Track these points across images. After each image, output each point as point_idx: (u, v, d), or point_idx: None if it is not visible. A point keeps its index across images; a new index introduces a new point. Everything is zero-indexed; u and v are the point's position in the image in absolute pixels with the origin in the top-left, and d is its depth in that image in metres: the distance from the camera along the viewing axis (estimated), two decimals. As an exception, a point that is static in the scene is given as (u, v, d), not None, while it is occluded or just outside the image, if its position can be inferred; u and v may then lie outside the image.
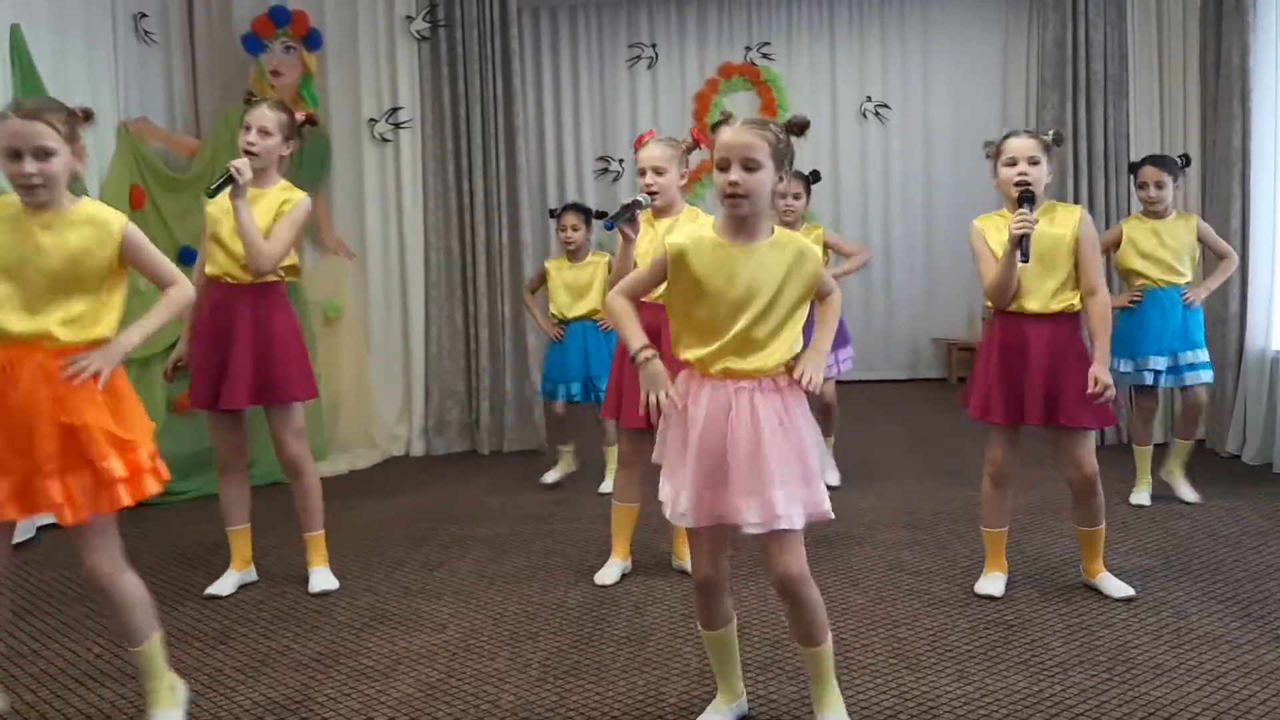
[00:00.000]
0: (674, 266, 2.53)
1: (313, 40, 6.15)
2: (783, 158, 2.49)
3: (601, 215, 5.34)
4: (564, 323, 5.36)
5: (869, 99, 8.51)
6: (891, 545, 4.27)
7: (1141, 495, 4.87)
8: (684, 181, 3.85)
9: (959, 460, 5.41)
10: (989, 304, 3.65)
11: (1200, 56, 5.95)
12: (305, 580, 3.96)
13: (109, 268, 2.61)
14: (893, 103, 8.52)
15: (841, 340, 5.35)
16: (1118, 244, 4.78)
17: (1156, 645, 3.21)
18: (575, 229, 5.28)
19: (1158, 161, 4.76)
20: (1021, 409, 3.53)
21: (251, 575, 4.02)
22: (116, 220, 2.63)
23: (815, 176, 5.21)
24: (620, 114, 8.57)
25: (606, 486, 5.38)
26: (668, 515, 2.56)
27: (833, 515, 2.53)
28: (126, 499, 2.59)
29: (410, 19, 6.28)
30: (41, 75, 4.74)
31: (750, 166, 2.44)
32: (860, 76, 8.52)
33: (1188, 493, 4.84)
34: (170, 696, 2.77)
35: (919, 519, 4.64)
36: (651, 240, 3.77)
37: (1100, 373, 3.43)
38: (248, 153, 3.71)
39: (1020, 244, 3.33)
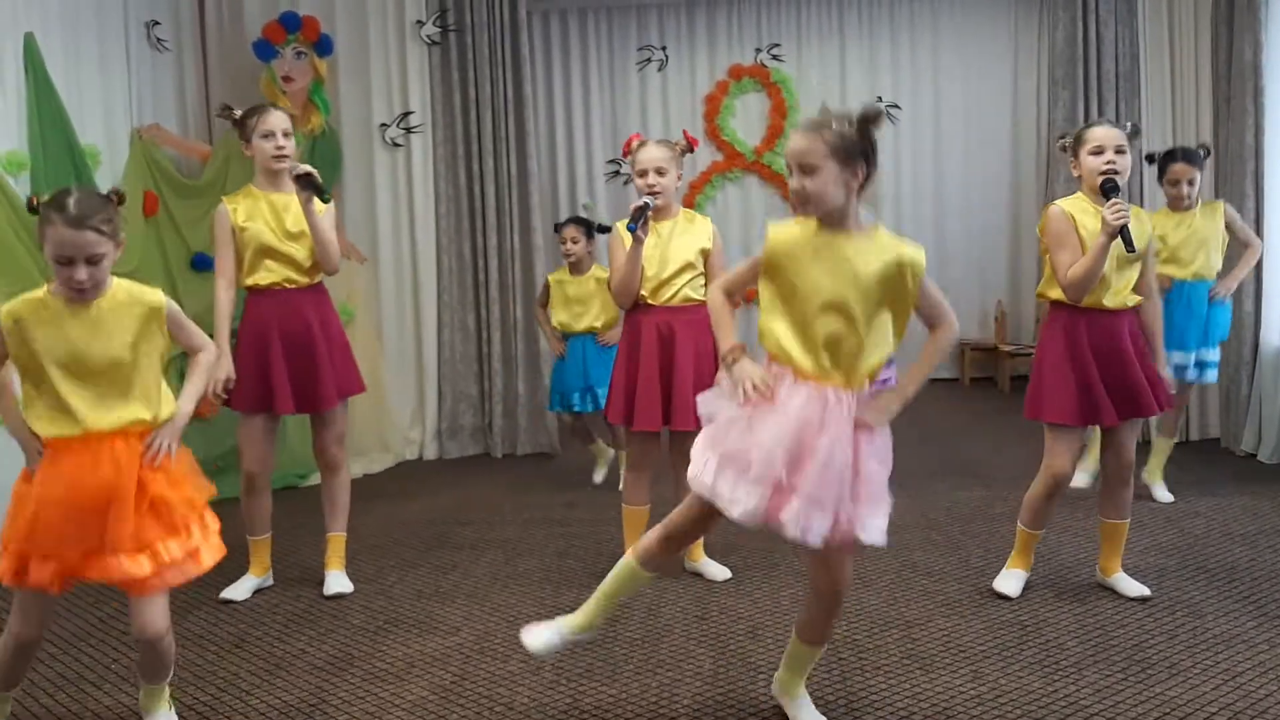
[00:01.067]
0: (773, 258, 2.52)
1: (324, 46, 6.17)
2: (849, 153, 2.44)
3: (605, 229, 5.40)
4: (566, 337, 5.38)
5: (879, 99, 8.49)
6: (904, 546, 4.26)
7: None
8: (679, 183, 3.85)
9: (972, 461, 5.40)
10: (1053, 296, 3.51)
11: (1212, 53, 5.91)
12: (320, 584, 3.97)
13: (162, 344, 2.69)
14: (903, 103, 8.50)
15: None
16: None
17: (1172, 645, 3.20)
18: (575, 241, 5.29)
19: (1188, 157, 4.68)
20: (1099, 408, 3.45)
21: (268, 580, 4.04)
22: (155, 298, 2.67)
23: None
24: (631, 117, 8.56)
25: (598, 477, 5.48)
26: (730, 511, 2.49)
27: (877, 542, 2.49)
28: (207, 563, 2.71)
29: (420, 24, 6.29)
30: (55, 83, 4.77)
31: (808, 170, 2.44)
32: (870, 77, 8.50)
33: (1164, 495, 4.81)
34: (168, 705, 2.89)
35: (932, 520, 4.63)
36: (656, 244, 3.78)
37: (1164, 369, 3.55)
38: (279, 157, 3.76)
39: (1122, 233, 3.25)
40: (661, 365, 3.79)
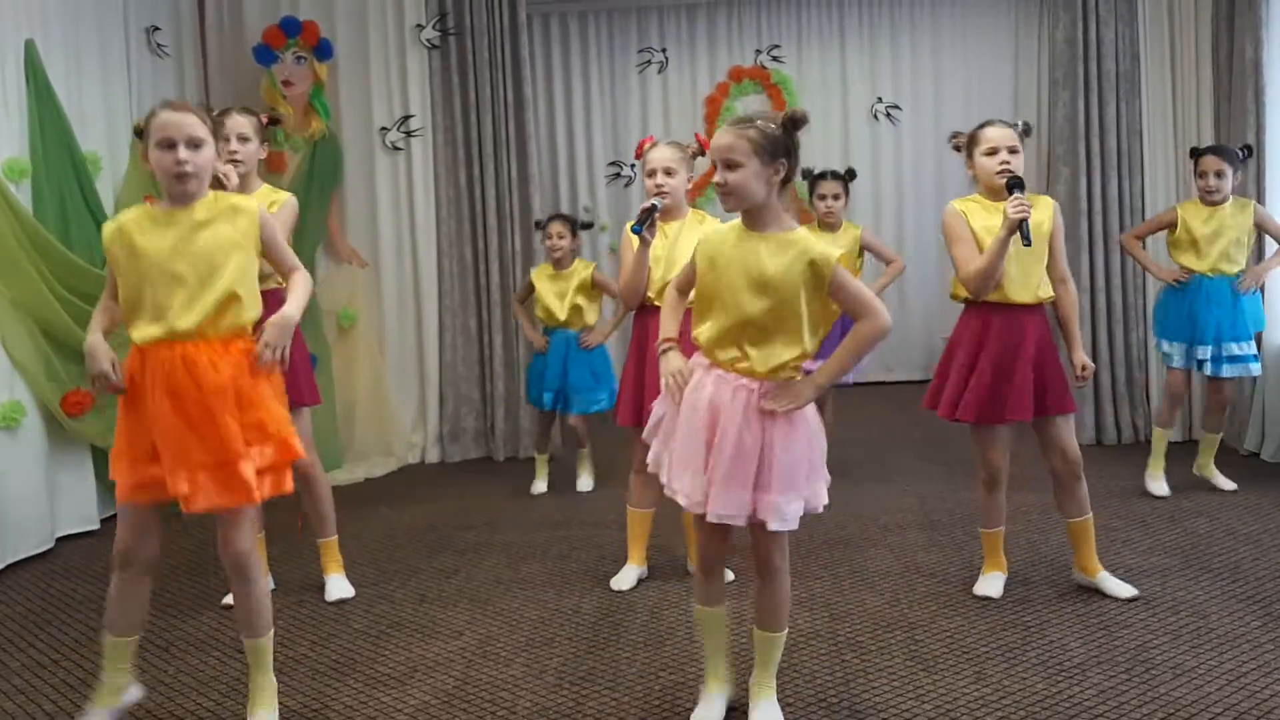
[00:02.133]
0: (700, 256, 2.71)
1: (323, 50, 6.17)
2: (772, 150, 2.58)
3: (587, 226, 5.54)
4: (549, 330, 5.40)
5: (880, 100, 8.49)
6: (907, 547, 4.26)
7: (1160, 484, 4.84)
8: (690, 186, 3.85)
9: (959, 463, 5.37)
10: (961, 295, 3.60)
11: (1213, 51, 5.90)
12: (321, 588, 3.97)
13: (255, 251, 2.76)
14: (904, 103, 8.49)
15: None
16: (1172, 227, 4.78)
17: (1176, 645, 3.19)
18: (560, 237, 5.32)
19: (1219, 151, 4.76)
20: (1015, 405, 3.49)
21: (269, 584, 4.03)
22: (249, 204, 2.77)
23: (851, 174, 5.21)
24: (631, 119, 8.56)
25: (584, 485, 5.45)
26: (682, 504, 2.68)
27: (777, 527, 2.61)
28: (288, 485, 2.79)
29: (420, 27, 6.29)
30: (56, 90, 4.77)
31: (730, 165, 2.59)
32: (871, 77, 8.49)
33: (1225, 482, 4.83)
34: (272, 699, 2.88)
35: (935, 520, 4.62)
36: (663, 245, 3.77)
37: (1084, 358, 3.56)
38: (232, 161, 3.73)
39: (1020, 228, 3.30)
40: (651, 367, 3.79)
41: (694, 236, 3.80)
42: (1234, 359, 4.70)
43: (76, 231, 4.86)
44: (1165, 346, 4.86)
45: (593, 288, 5.30)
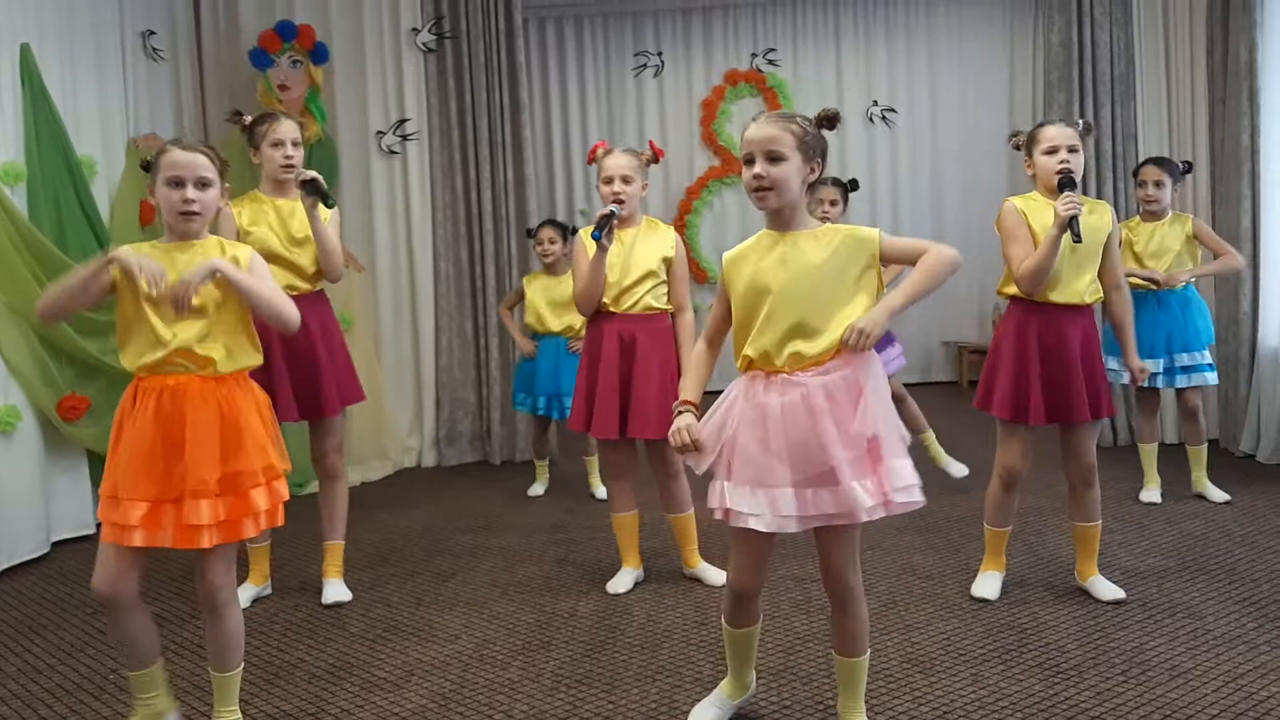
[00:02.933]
0: (732, 278, 2.57)
1: (319, 54, 6.17)
2: (811, 149, 2.50)
3: (576, 231, 5.50)
4: (538, 336, 5.40)
5: (875, 103, 8.51)
6: (904, 549, 4.26)
7: (1152, 493, 4.86)
8: (644, 193, 3.85)
9: (971, 463, 5.38)
10: (1009, 293, 3.56)
11: (1207, 54, 5.92)
12: (319, 592, 3.96)
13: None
14: (899, 107, 8.51)
15: (886, 339, 5.26)
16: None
17: (1172, 647, 3.20)
18: (552, 242, 5.35)
19: (1158, 161, 4.80)
20: (1067, 407, 3.47)
21: (266, 589, 4.03)
22: (245, 251, 2.78)
23: (854, 185, 5.23)
24: (627, 123, 8.58)
25: (600, 493, 5.41)
26: (762, 527, 2.45)
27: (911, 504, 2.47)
28: (264, 524, 2.73)
29: (416, 31, 6.30)
30: (52, 94, 4.77)
31: (774, 158, 2.47)
32: (866, 81, 8.52)
33: (1218, 494, 4.82)
34: None
35: (931, 522, 4.62)
36: (619, 252, 3.77)
37: (1137, 360, 3.57)
38: (288, 167, 3.77)
39: (1071, 225, 3.29)
40: (621, 374, 3.79)
41: (649, 244, 3.81)
42: (1187, 369, 4.69)
43: (72, 235, 4.86)
44: (1113, 364, 4.83)
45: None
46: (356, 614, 3.81)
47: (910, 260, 2.50)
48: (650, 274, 3.80)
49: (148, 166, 2.80)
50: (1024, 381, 3.50)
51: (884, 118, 8.50)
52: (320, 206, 3.76)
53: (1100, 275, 3.51)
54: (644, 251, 3.81)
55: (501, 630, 3.58)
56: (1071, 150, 3.47)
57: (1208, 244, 4.80)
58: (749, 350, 2.53)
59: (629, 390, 3.79)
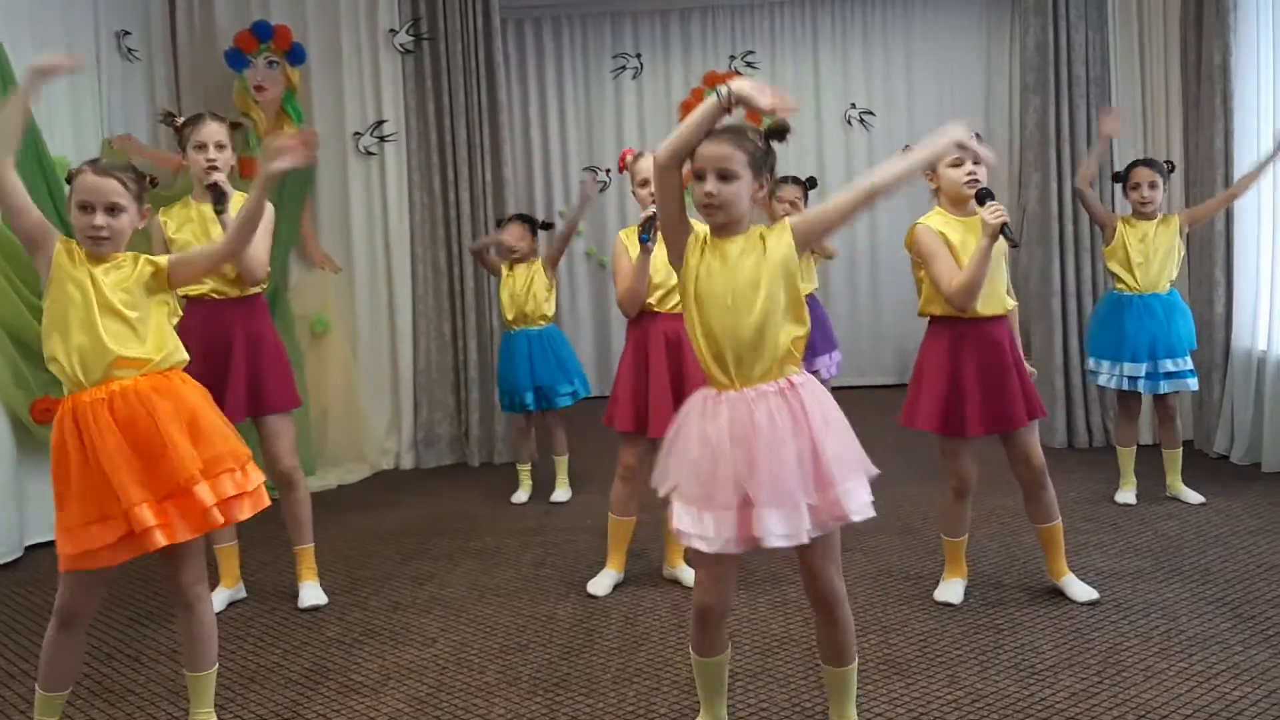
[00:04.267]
0: (690, 246, 2.55)
1: (296, 55, 6.14)
2: (761, 165, 2.49)
3: (546, 226, 5.67)
4: (509, 332, 5.41)
5: (853, 106, 8.52)
6: (881, 551, 4.27)
7: (1127, 494, 4.88)
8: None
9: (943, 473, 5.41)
10: (931, 312, 3.59)
11: (1181, 57, 5.96)
12: (294, 596, 3.94)
13: (159, 277, 2.72)
14: (877, 109, 8.53)
15: (829, 344, 5.35)
16: (1112, 231, 4.79)
17: (1147, 647, 3.22)
18: (520, 239, 5.35)
19: (1148, 163, 4.80)
20: (968, 418, 3.49)
21: (241, 593, 4.01)
22: (162, 261, 2.76)
23: (812, 183, 5.25)
24: (606, 124, 8.57)
25: (559, 496, 5.38)
26: (705, 548, 2.43)
27: (854, 518, 2.43)
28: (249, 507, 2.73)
29: (393, 32, 6.27)
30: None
31: (726, 176, 2.45)
32: (844, 83, 8.53)
33: (1193, 496, 4.84)
34: None
35: (908, 524, 4.63)
36: (660, 252, 3.76)
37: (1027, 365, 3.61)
38: (211, 168, 3.70)
39: (1004, 231, 3.31)
40: (672, 372, 3.80)
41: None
42: (1170, 375, 4.72)
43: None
44: (1092, 364, 4.90)
45: (548, 280, 5.33)
46: (333, 618, 3.79)
47: (831, 220, 2.50)
48: None
49: (154, 184, 2.87)
50: (956, 395, 3.52)
51: (862, 120, 8.52)
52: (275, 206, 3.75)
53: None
54: None
55: (479, 633, 3.57)
56: (976, 161, 3.44)
57: (1202, 215, 4.91)
58: (702, 363, 2.52)
59: (681, 387, 3.79)
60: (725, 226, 2.51)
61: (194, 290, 3.78)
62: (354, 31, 6.29)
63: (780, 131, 2.49)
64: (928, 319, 3.67)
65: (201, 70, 6.29)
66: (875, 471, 2.50)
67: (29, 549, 4.68)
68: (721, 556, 2.46)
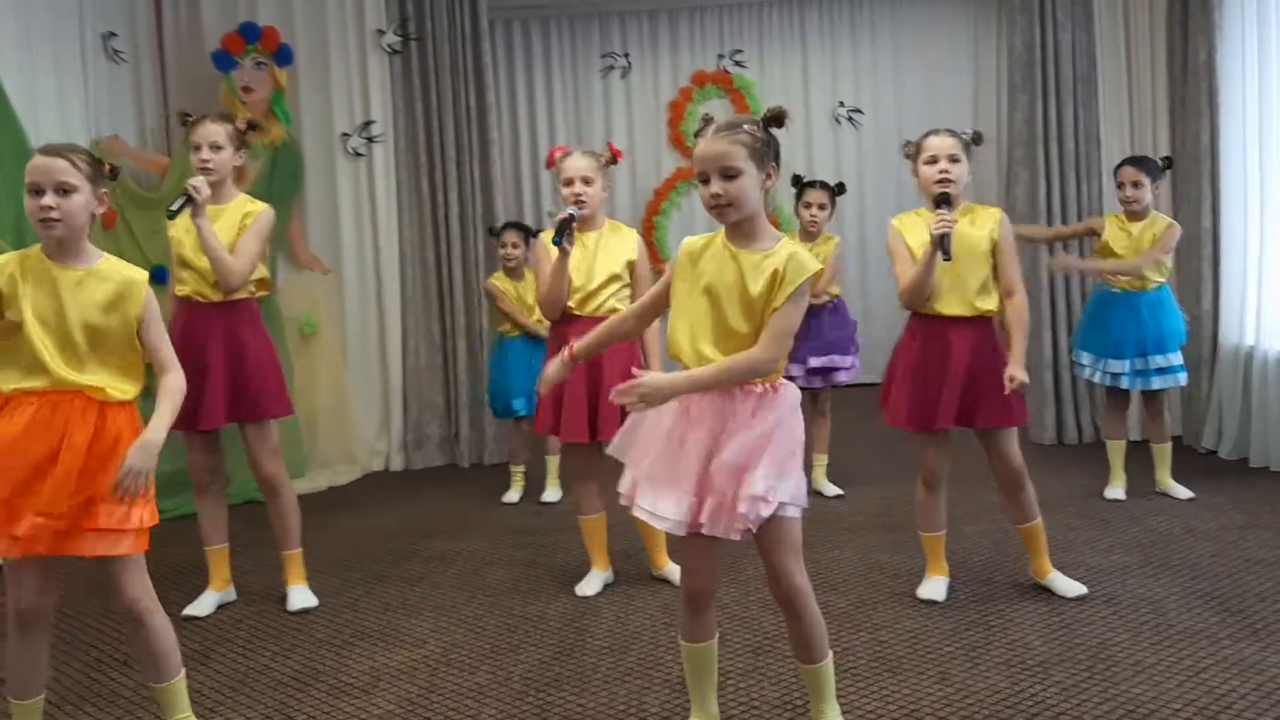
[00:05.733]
0: (679, 264, 2.56)
1: (283, 56, 6.12)
2: (764, 154, 2.47)
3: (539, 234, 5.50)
4: (504, 338, 5.40)
5: (842, 104, 8.53)
6: (871, 548, 4.28)
7: (1116, 490, 4.89)
8: (605, 194, 3.86)
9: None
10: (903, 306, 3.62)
11: (1168, 55, 5.99)
12: (284, 599, 3.93)
13: (136, 326, 2.64)
14: (865, 107, 8.54)
15: (848, 346, 5.25)
16: (1096, 234, 4.82)
17: (1136, 642, 3.23)
18: (515, 246, 5.37)
19: (1136, 162, 4.82)
20: (935, 413, 3.51)
21: (230, 595, 4.00)
22: (139, 274, 2.67)
23: (841, 188, 5.25)
24: (595, 124, 8.56)
25: (550, 495, 5.38)
26: (649, 520, 2.51)
27: (759, 515, 2.43)
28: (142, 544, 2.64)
29: (381, 32, 6.26)
30: (10, 96, 4.71)
31: (729, 174, 2.44)
32: (833, 82, 8.54)
33: (1182, 491, 4.85)
34: None
35: (898, 521, 4.64)
36: (583, 254, 3.77)
37: (1017, 371, 3.44)
38: (203, 170, 3.70)
39: (941, 243, 3.33)
40: (589, 377, 3.78)
41: (612, 247, 3.82)
42: (1162, 371, 4.74)
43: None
44: (1076, 356, 4.93)
45: None
46: (323, 620, 3.78)
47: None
48: (614, 277, 3.80)
49: (115, 174, 2.78)
50: (919, 389, 3.54)
51: (850, 118, 8.53)
52: (274, 218, 3.76)
53: (995, 282, 3.53)
54: (607, 254, 3.81)
55: (469, 634, 3.56)
56: (952, 160, 3.47)
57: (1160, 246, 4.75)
58: (675, 341, 2.55)
59: (597, 392, 3.78)
60: (739, 228, 2.50)
61: (180, 290, 3.78)
62: (341, 32, 6.28)
63: (779, 118, 2.51)
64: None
65: (188, 72, 6.27)
66: (798, 498, 2.49)
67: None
68: (700, 540, 2.51)
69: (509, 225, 5.47)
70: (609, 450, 2.67)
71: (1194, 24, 5.67)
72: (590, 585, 3.92)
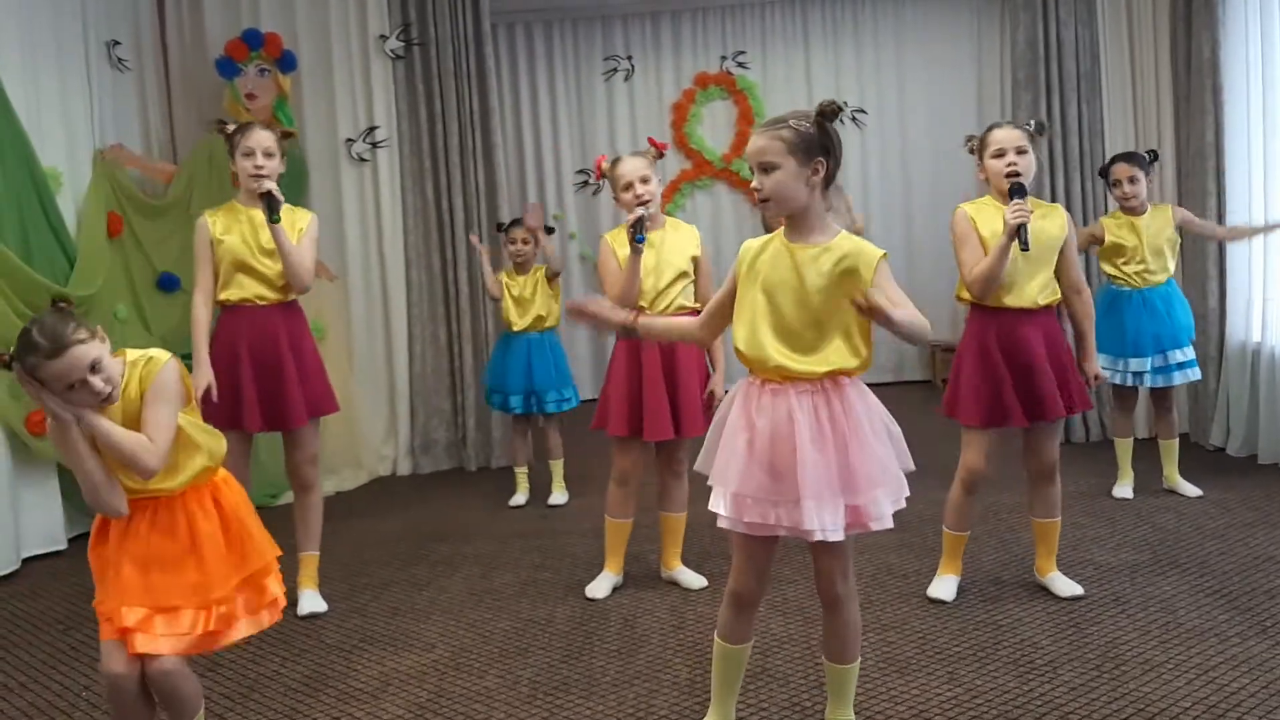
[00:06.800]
0: (740, 266, 2.57)
1: (287, 62, 6.13)
2: (809, 149, 2.46)
3: (550, 230, 5.55)
4: (507, 334, 5.40)
5: (845, 104, 8.52)
6: (879, 549, 4.27)
7: (1124, 489, 4.89)
8: (663, 189, 3.87)
9: (944, 463, 5.41)
10: (966, 298, 3.59)
11: (1171, 51, 5.98)
12: (294, 603, 3.93)
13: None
14: (869, 108, 8.54)
15: None
16: (1099, 241, 4.81)
17: (1145, 641, 3.22)
18: (525, 242, 5.36)
19: (1127, 158, 4.83)
20: (1040, 407, 3.50)
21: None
22: (161, 357, 2.59)
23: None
24: (598, 127, 8.57)
25: (556, 499, 5.38)
26: (726, 525, 2.51)
27: (879, 526, 2.49)
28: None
29: (384, 38, 6.27)
30: (15, 105, 4.72)
31: (767, 168, 2.47)
32: (836, 82, 8.53)
33: (1190, 489, 4.84)
34: None
35: (906, 522, 4.60)
36: (651, 254, 3.76)
37: (1094, 366, 3.61)
38: (257, 177, 3.75)
39: (1019, 233, 3.32)
40: (666, 375, 3.80)
41: (677, 243, 3.83)
42: (1181, 366, 4.74)
43: (37, 248, 4.81)
44: (1104, 361, 4.89)
45: (550, 285, 5.33)
46: (332, 625, 3.79)
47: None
48: (683, 274, 3.81)
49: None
50: (991, 386, 3.52)
51: (854, 118, 8.52)
52: (312, 220, 3.84)
53: (1058, 278, 3.55)
54: (673, 251, 3.82)
55: (478, 638, 3.57)
56: (1020, 152, 3.48)
57: (1196, 230, 4.91)
58: (741, 346, 2.53)
59: (675, 390, 3.80)
60: (793, 224, 2.51)
61: (235, 295, 3.82)
62: (344, 38, 6.29)
63: (828, 112, 2.50)
64: (967, 306, 3.66)
65: (192, 79, 6.28)
66: (906, 492, 2.57)
67: (26, 561, 4.67)
68: (758, 543, 2.52)
69: (517, 221, 5.48)
70: (699, 466, 2.64)
71: (1197, 20, 5.66)
72: (600, 588, 3.92)
